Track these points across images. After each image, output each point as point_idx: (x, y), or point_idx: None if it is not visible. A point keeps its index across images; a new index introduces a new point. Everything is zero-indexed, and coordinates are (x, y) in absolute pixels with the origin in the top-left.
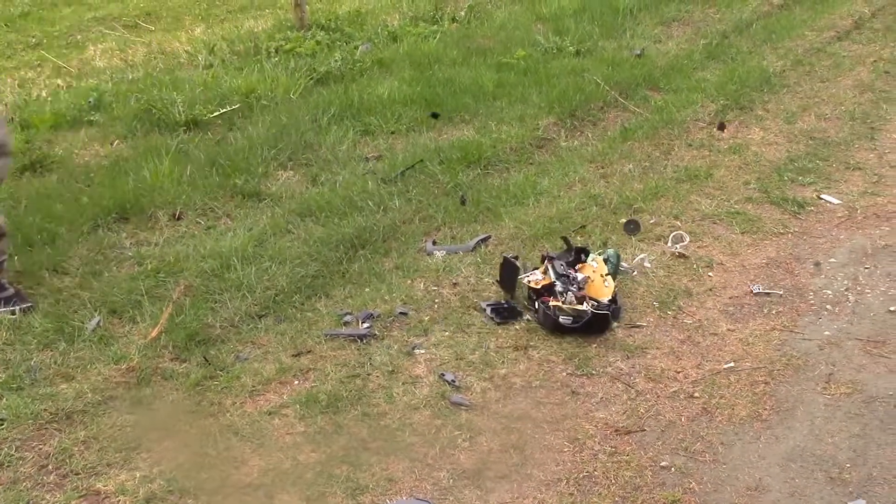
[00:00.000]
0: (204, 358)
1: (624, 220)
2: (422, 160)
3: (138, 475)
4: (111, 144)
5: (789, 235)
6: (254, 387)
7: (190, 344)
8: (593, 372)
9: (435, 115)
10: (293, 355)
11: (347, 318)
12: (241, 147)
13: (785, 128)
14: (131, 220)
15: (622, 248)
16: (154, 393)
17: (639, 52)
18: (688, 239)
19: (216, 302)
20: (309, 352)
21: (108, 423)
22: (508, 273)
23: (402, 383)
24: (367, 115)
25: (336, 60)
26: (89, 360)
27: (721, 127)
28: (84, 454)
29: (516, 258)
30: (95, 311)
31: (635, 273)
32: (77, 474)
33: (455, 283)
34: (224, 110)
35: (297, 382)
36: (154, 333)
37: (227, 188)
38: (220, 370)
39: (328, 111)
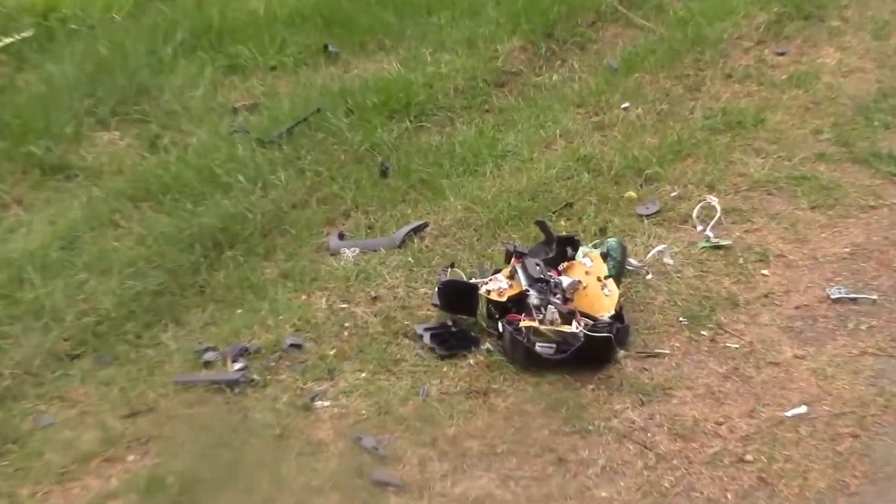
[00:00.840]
0: None
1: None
2: (318, 110)
3: None
4: None
5: (885, 210)
6: (64, 467)
7: None
8: (590, 427)
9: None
10: (126, 416)
11: (209, 355)
12: (37, 96)
13: (873, 46)
14: None
15: (630, 235)
16: None
17: None
18: (715, 217)
19: (3, 337)
20: (150, 410)
21: None
22: (457, 297)
23: (297, 454)
24: (234, 43)
25: None
26: None
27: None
28: None
29: (468, 277)
30: None
31: (650, 275)
32: None
33: (375, 298)
34: (9, 40)
35: (132, 458)
36: None
37: (17, 160)
38: (12, 442)
39: (172, 38)
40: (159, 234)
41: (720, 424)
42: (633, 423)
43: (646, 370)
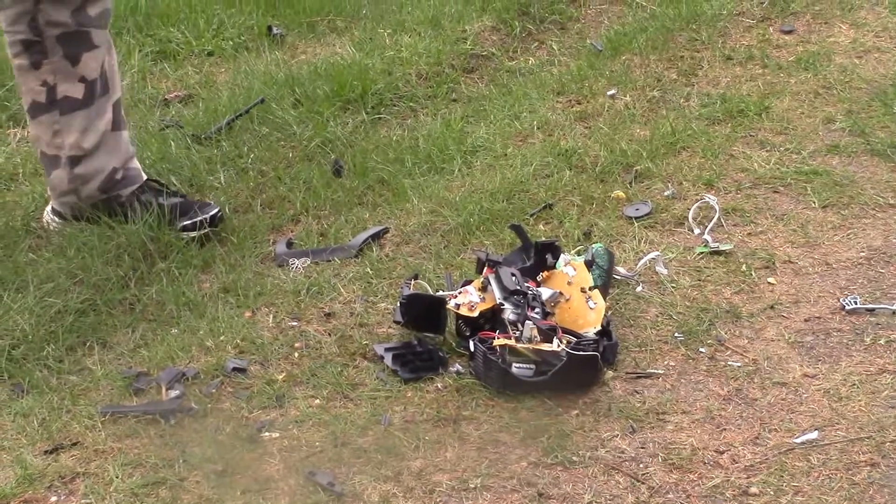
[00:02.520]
0: None
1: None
2: (262, 101)
3: None
4: None
5: None
6: None
7: None
8: (574, 458)
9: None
10: (47, 451)
11: (141, 381)
12: None
13: (892, 22)
14: None
15: (618, 240)
16: None
17: None
18: (714, 218)
19: None
20: (75, 444)
21: None
22: (423, 312)
23: (242, 492)
24: (165, 26)
25: None
26: None
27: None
28: None
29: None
30: None
31: (641, 285)
32: None
33: (329, 315)
34: None
35: (55, 499)
36: None
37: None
38: None
39: None
40: (82, 245)
41: (721, 453)
42: (623, 452)
43: (637, 393)
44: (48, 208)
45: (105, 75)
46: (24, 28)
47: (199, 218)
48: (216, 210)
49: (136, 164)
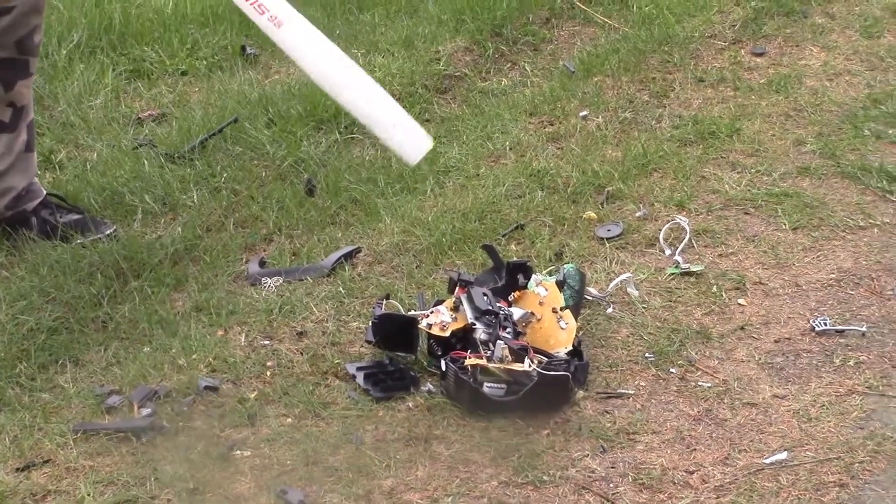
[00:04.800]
0: None
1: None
2: (236, 119)
3: None
4: None
5: (875, 231)
6: None
7: None
8: (545, 478)
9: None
10: (19, 469)
11: (113, 399)
12: None
13: (863, 46)
14: None
15: (589, 261)
16: None
17: None
18: (685, 240)
19: None
20: (46, 461)
21: None
22: (395, 332)
23: None
24: (138, 45)
25: None
26: None
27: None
28: None
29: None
30: None
31: (612, 306)
32: None
33: (300, 333)
34: None
35: None
36: None
37: None
38: None
39: (67, 38)
40: (54, 263)
41: (691, 473)
42: (594, 472)
43: (607, 413)
44: None
45: (29, 104)
46: None
47: (94, 237)
48: (111, 229)
49: (37, 180)
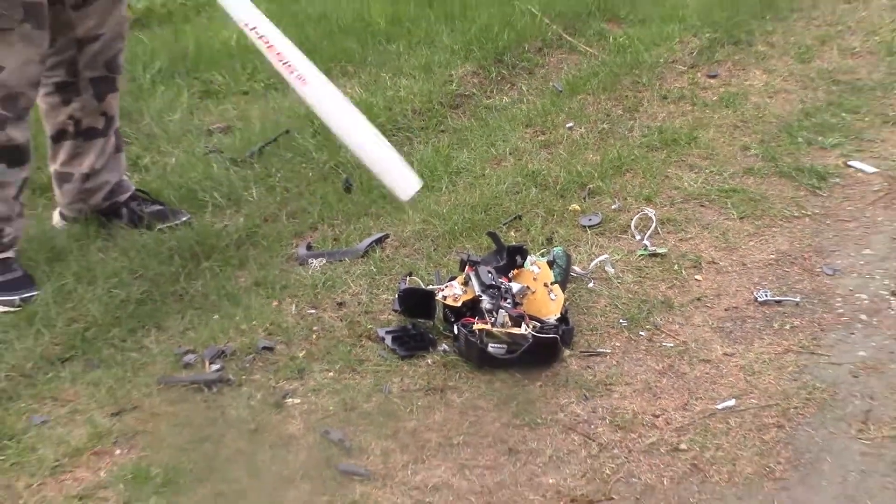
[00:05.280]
0: None
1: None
2: (287, 131)
3: None
4: None
5: (807, 220)
6: (57, 461)
7: None
8: (538, 420)
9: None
10: (113, 414)
11: (189, 358)
12: None
13: (797, 69)
14: None
15: (574, 245)
16: None
17: None
18: (652, 227)
19: None
20: (135, 408)
21: None
22: (416, 303)
23: (270, 447)
24: (209, 70)
25: None
26: None
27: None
28: None
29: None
30: None
31: (592, 282)
32: None
33: (340, 304)
34: None
35: (119, 452)
36: None
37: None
38: (8, 439)
39: (151, 66)
40: (141, 247)
41: (657, 417)
42: (578, 416)
43: (589, 368)
44: (56, 212)
45: (116, 113)
46: (62, 72)
47: (172, 223)
48: (186, 217)
49: (127, 176)
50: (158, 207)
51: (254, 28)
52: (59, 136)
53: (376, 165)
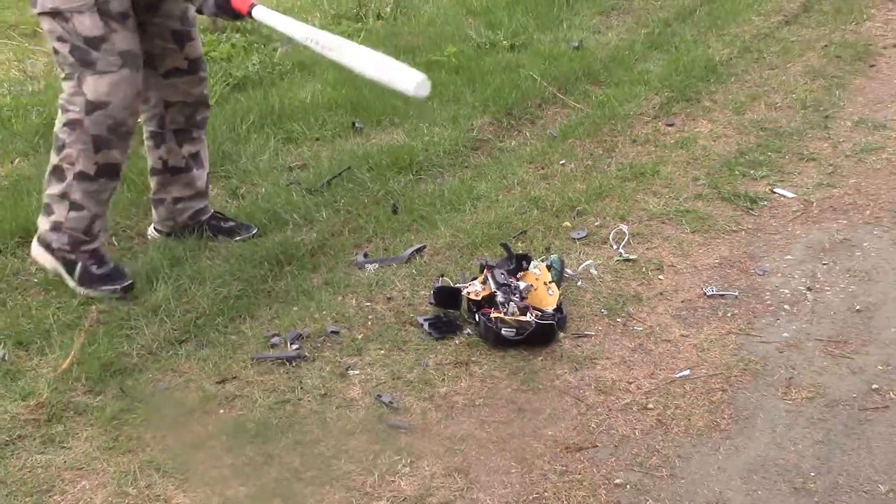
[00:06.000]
0: (121, 389)
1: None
2: (349, 167)
3: None
4: (11, 163)
5: (742, 233)
6: (175, 419)
7: (104, 375)
8: (540, 386)
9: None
10: (217, 382)
11: (274, 339)
12: None
13: (734, 119)
14: None
15: (566, 253)
16: (67, 430)
17: (577, 44)
18: (625, 239)
19: (132, 328)
20: (234, 378)
21: (17, 465)
22: (447, 297)
23: (336, 407)
24: (290, 122)
25: (254, 64)
26: None
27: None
28: None
29: (454, 282)
30: (0, 343)
31: (580, 281)
32: None
33: (389, 298)
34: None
35: (222, 411)
36: (65, 365)
37: (140, 205)
38: (139, 402)
39: (247, 119)
40: (239, 255)
41: (630, 384)
42: (570, 383)
43: (578, 346)
44: (151, 227)
45: (199, 156)
46: (154, 125)
47: (246, 235)
48: (255, 230)
49: (208, 201)
50: (232, 223)
51: (308, 38)
52: (153, 171)
53: (386, 75)
